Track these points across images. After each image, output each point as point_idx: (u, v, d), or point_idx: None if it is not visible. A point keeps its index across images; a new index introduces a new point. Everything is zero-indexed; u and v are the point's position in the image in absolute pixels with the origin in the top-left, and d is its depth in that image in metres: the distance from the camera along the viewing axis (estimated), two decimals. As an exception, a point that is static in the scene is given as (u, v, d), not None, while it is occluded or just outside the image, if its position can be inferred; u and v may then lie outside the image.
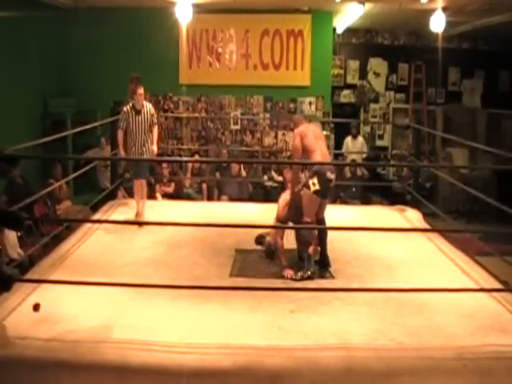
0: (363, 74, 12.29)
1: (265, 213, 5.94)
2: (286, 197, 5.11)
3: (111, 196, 7.06)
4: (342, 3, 9.21)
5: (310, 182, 4.74)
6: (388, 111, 12.42)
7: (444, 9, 8.62)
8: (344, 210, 7.14)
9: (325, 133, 10.41)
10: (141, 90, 6.12)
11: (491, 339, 3.54)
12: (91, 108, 9.65)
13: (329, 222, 5.08)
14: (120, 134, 6.22)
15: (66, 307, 3.85)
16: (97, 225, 5.84)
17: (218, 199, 9.43)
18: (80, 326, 3.57)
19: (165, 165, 9.39)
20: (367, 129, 12.42)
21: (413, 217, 6.68)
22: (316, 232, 4.93)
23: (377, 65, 12.29)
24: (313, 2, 9.89)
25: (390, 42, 12.31)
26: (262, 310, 3.93)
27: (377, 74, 12.31)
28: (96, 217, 6.34)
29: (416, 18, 9.71)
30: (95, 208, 6.70)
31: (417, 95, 11.91)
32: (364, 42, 12.25)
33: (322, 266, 4.92)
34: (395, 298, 4.06)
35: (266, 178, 10.11)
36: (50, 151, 7.96)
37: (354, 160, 10.00)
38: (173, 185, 9.27)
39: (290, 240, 4.97)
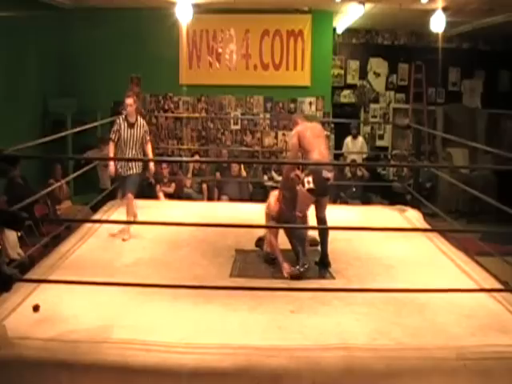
0: (363, 74, 12.29)
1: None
2: (275, 193, 5.20)
3: (111, 196, 7.06)
4: (342, 3, 9.21)
5: (305, 180, 4.77)
6: (388, 111, 12.42)
7: (444, 9, 8.62)
8: (344, 210, 7.14)
9: (325, 133, 10.43)
10: (129, 100, 5.74)
11: (491, 339, 3.54)
12: (91, 108, 9.66)
13: (329, 222, 5.08)
14: (111, 146, 5.89)
15: (66, 307, 3.85)
16: (97, 225, 5.84)
17: (218, 199, 9.43)
18: (80, 326, 3.57)
19: (165, 165, 9.40)
20: (367, 129, 12.41)
21: (413, 217, 6.68)
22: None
23: (377, 65, 12.29)
24: (313, 2, 9.89)
25: (390, 42, 12.31)
26: (262, 310, 3.93)
27: (377, 74, 12.31)
28: (96, 217, 6.34)
29: (416, 18, 9.70)
30: (95, 208, 6.70)
31: (417, 95, 11.89)
32: (364, 42, 12.25)
33: (323, 267, 4.92)
34: (395, 298, 4.05)
35: (266, 177, 10.12)
36: (50, 151, 7.96)
37: (354, 160, 10.01)
38: (173, 185, 9.27)
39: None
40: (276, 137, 10.83)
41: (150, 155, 6.05)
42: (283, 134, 10.75)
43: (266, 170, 10.28)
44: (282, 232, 5.05)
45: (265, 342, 3.40)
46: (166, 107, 10.71)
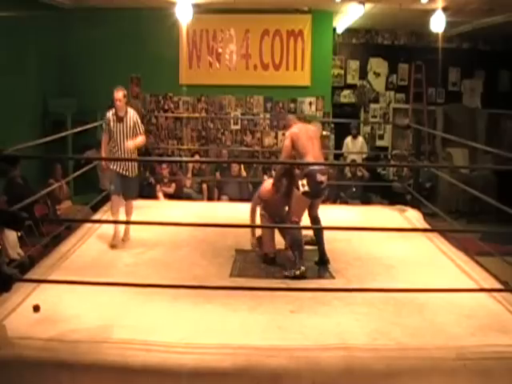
0: (363, 74, 12.28)
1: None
2: (270, 181, 5.30)
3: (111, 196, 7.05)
4: (342, 3, 9.21)
5: (300, 183, 4.81)
6: (388, 111, 12.41)
7: (444, 9, 8.61)
8: (344, 210, 7.15)
9: (325, 133, 10.44)
10: (118, 95, 5.49)
11: (491, 339, 3.54)
12: (91, 108, 9.64)
13: (329, 222, 5.10)
14: (105, 137, 5.71)
15: (66, 307, 3.85)
16: (97, 225, 5.84)
17: (218, 199, 9.43)
18: (80, 326, 3.58)
19: (165, 165, 9.39)
20: (367, 129, 12.41)
21: (413, 217, 6.68)
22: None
23: (377, 65, 12.28)
24: (313, 2, 9.89)
25: (390, 42, 12.30)
26: (262, 310, 3.93)
27: (377, 74, 12.30)
28: (96, 217, 6.34)
29: (416, 18, 9.70)
30: (95, 208, 6.70)
31: (417, 95, 11.88)
32: (364, 42, 12.24)
33: (321, 264, 4.94)
34: (395, 298, 4.06)
35: (266, 177, 10.10)
36: (50, 151, 7.96)
37: (354, 160, 10.01)
38: (173, 185, 9.27)
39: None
40: (276, 137, 10.84)
41: (138, 141, 5.65)
42: (283, 134, 10.74)
43: (266, 169, 10.27)
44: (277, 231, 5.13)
45: (265, 342, 3.40)
46: (166, 107, 10.71)
